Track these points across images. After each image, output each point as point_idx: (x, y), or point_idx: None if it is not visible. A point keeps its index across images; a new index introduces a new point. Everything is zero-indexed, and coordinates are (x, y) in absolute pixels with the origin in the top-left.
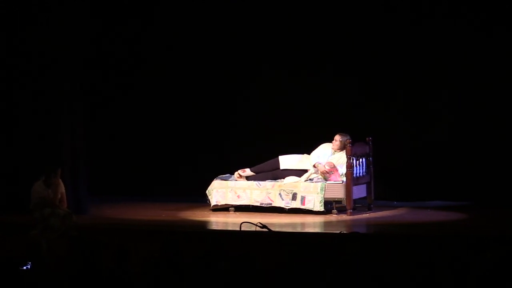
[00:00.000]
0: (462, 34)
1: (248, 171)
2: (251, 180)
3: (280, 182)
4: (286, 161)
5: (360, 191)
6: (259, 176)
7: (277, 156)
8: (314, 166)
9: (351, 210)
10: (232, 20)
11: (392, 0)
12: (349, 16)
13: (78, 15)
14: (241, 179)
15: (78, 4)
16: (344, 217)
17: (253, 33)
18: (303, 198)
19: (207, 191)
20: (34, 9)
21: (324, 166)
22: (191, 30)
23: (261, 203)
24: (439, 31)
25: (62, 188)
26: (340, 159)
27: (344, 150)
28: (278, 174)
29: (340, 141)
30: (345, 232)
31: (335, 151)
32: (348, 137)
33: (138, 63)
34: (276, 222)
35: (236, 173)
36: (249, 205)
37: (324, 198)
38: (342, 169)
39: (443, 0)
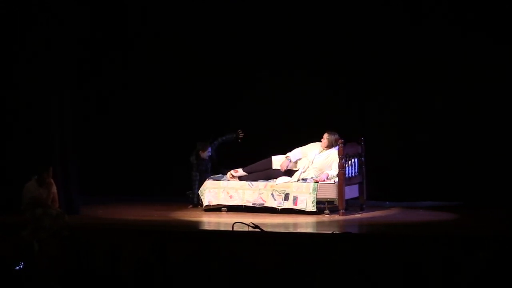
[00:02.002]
0: (454, 35)
1: (240, 171)
2: (244, 180)
3: (272, 183)
4: (279, 161)
5: (352, 191)
6: (251, 176)
7: (270, 156)
8: (286, 156)
9: (343, 210)
10: (228, 23)
11: (385, 2)
12: (342, 19)
13: (73, 15)
14: (234, 179)
15: (73, 5)
16: (336, 217)
17: (248, 35)
18: (295, 199)
19: (199, 191)
20: (31, 10)
21: (287, 165)
22: (190, 31)
23: (253, 203)
24: (432, 32)
25: (54, 188)
26: (328, 158)
27: (333, 148)
28: (271, 174)
29: (328, 139)
30: (337, 232)
31: (323, 149)
32: (337, 135)
33: (134, 63)
34: (268, 222)
35: (228, 173)
36: (242, 205)
37: (317, 198)
38: (333, 171)
39: (436, 2)
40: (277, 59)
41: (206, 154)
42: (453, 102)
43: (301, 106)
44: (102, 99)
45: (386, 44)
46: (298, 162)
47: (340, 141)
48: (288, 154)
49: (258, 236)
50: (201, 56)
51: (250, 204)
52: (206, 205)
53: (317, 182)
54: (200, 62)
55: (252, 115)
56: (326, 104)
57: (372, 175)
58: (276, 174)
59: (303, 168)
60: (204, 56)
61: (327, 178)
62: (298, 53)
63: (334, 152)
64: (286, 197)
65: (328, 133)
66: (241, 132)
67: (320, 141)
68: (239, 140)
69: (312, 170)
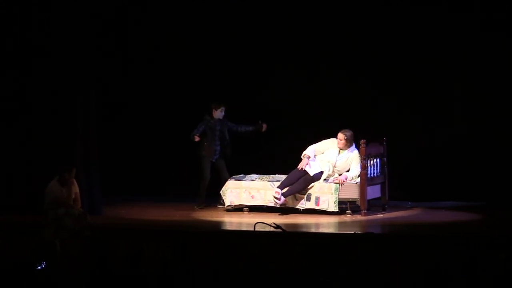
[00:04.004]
0: (479, 32)
1: (282, 199)
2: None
3: None
4: (313, 168)
5: (374, 192)
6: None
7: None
8: (303, 156)
9: (365, 211)
10: (243, 20)
11: None
12: (363, 16)
13: (88, 14)
14: (280, 201)
15: (90, 7)
16: (358, 217)
17: (266, 34)
18: (317, 199)
19: (221, 191)
20: (52, 8)
21: (306, 163)
22: (204, 30)
23: (275, 204)
24: (455, 31)
25: (76, 188)
26: (347, 160)
27: (352, 149)
28: (308, 180)
29: (345, 139)
30: (359, 232)
31: (342, 149)
32: (350, 131)
33: (150, 62)
34: (290, 222)
35: (275, 201)
36: (263, 206)
37: (339, 199)
38: (351, 172)
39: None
40: (298, 59)
41: (220, 113)
42: (475, 102)
43: (322, 106)
44: (123, 98)
45: (409, 43)
46: (321, 164)
47: (362, 141)
48: (306, 153)
49: (280, 236)
50: (218, 56)
51: (272, 204)
52: (228, 205)
53: (336, 183)
54: (217, 62)
55: (272, 115)
56: (349, 105)
57: (394, 175)
58: (313, 179)
59: (329, 171)
60: (221, 56)
61: (346, 179)
62: (316, 53)
63: (353, 153)
64: (308, 198)
65: (342, 133)
66: (262, 123)
67: (333, 138)
68: (263, 130)
69: (337, 174)
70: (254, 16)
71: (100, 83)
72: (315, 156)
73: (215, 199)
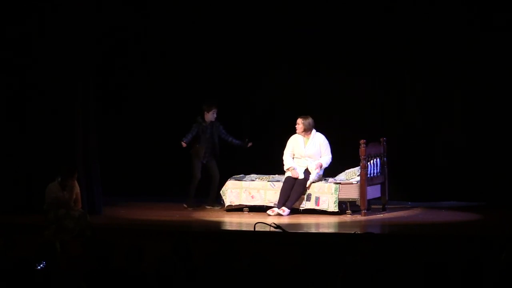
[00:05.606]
0: (479, 32)
1: (287, 211)
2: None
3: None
4: (300, 172)
5: (374, 192)
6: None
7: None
8: (288, 170)
9: (365, 211)
10: (240, 19)
11: None
12: (363, 14)
13: (87, 12)
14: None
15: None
16: (358, 217)
17: (263, 32)
18: (317, 199)
19: (221, 191)
20: (46, 5)
21: (298, 172)
22: (204, 28)
23: (275, 204)
24: (453, 31)
25: (77, 189)
26: (316, 144)
27: (312, 134)
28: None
29: (303, 123)
30: (359, 232)
31: (300, 134)
32: (310, 118)
33: (151, 61)
34: (290, 222)
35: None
36: (263, 206)
37: (338, 199)
38: (325, 157)
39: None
40: (296, 58)
41: (211, 115)
42: (476, 102)
43: (322, 106)
44: (123, 98)
45: (409, 42)
46: (300, 164)
47: (362, 141)
48: (290, 165)
49: (280, 236)
50: (218, 56)
51: (272, 205)
52: (228, 205)
53: (338, 183)
54: (217, 62)
55: (272, 115)
56: (348, 104)
57: (394, 175)
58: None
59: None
60: (221, 56)
61: (320, 167)
62: (315, 52)
63: (317, 137)
64: (308, 198)
65: (300, 118)
66: (248, 141)
67: (293, 134)
68: (248, 146)
69: (313, 165)
70: (248, 14)
71: (100, 83)
72: (293, 159)
73: (205, 200)
